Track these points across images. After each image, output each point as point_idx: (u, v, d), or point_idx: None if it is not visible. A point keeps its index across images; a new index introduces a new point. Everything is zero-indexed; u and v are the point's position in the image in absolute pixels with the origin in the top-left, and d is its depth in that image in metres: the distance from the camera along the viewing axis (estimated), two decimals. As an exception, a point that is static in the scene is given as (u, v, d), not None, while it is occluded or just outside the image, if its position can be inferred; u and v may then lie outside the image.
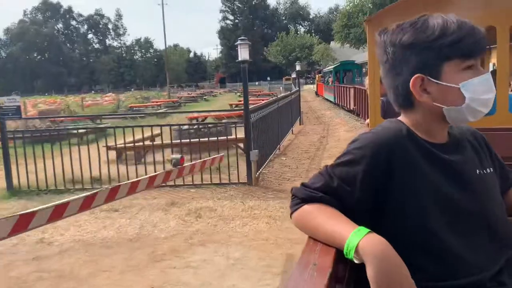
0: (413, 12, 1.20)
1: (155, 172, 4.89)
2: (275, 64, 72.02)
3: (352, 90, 15.89)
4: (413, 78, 1.08)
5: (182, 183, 6.23)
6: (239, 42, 6.53)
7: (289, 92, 14.25)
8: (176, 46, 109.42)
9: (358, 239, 0.92)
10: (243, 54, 6.47)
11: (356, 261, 0.93)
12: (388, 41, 1.12)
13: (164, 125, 7.72)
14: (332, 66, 29.88)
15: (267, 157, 7.73)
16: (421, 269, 1.04)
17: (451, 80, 1.06)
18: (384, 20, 4.19)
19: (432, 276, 1.04)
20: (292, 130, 12.09)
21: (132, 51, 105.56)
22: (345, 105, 18.49)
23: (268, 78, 41.89)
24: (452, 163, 1.10)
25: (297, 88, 17.36)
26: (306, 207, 1.10)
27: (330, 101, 24.20)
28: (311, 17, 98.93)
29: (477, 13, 3.82)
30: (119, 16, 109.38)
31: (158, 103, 28.45)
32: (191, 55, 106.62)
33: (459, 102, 1.07)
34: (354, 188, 1.05)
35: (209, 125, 9.33)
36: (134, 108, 24.17)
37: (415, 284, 0.92)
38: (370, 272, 0.89)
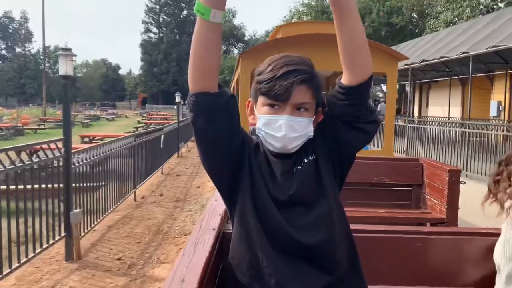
0: (275, 51, 1.56)
1: None
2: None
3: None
4: (247, 101, 1.53)
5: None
6: (60, 52, 5.20)
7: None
8: (104, 61, 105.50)
9: None
10: (67, 68, 5.15)
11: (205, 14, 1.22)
12: None
13: None
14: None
15: None
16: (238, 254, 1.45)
17: (259, 110, 1.44)
18: (253, 55, 4.54)
19: (241, 265, 1.42)
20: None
21: (38, 60, 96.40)
22: None
23: (182, 102, 39.89)
24: (276, 164, 1.45)
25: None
26: None
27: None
28: (246, 39, 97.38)
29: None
30: (25, 19, 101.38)
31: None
32: (110, 70, 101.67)
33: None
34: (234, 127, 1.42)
35: None
36: None
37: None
38: None
